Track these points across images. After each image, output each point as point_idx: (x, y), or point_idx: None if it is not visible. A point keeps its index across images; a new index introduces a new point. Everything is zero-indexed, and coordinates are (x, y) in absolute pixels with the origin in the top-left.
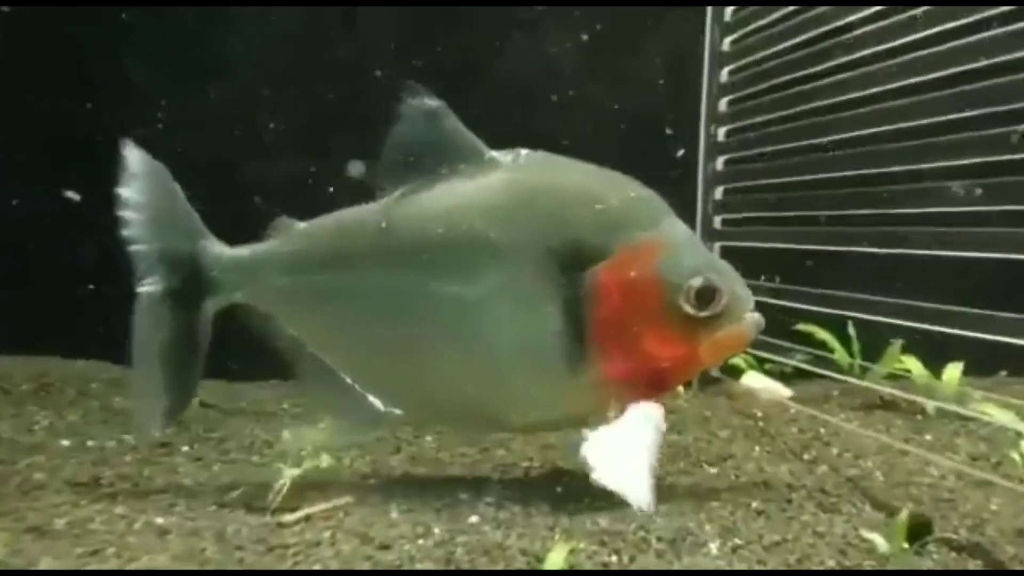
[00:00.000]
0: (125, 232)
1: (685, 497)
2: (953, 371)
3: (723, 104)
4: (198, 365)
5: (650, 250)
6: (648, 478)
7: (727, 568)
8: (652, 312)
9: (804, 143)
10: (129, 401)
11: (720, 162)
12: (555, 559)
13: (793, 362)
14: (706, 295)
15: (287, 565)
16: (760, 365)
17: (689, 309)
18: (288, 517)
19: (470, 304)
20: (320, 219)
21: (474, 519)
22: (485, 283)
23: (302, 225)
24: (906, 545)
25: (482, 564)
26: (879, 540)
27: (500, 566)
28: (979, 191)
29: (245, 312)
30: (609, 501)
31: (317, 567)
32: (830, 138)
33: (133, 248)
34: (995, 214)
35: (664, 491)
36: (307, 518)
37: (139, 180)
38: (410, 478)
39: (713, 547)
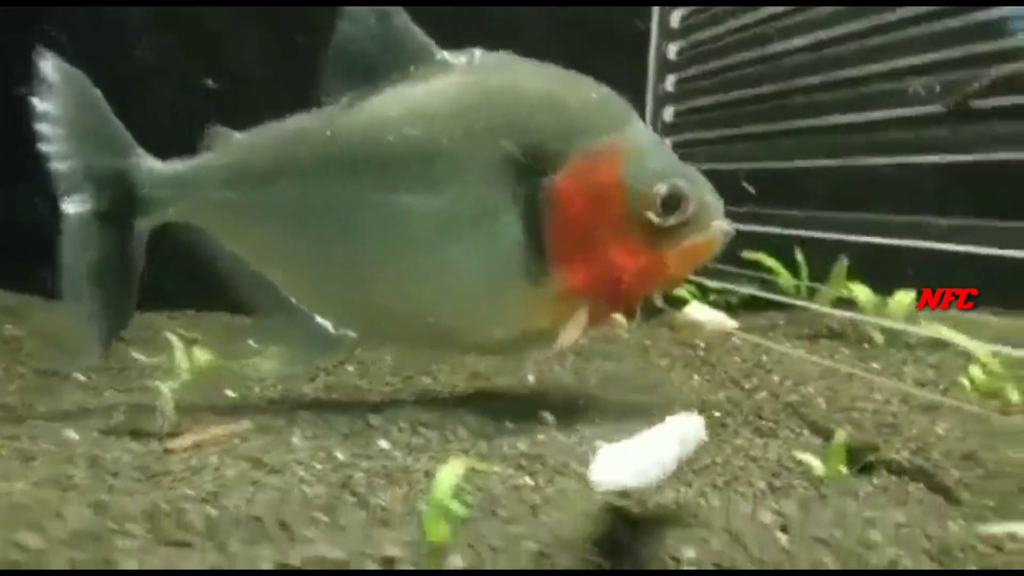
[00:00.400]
0: (44, 148)
1: (614, 421)
2: (903, 297)
3: (675, 19)
4: (132, 289)
5: (613, 155)
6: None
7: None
8: (615, 220)
9: (755, 56)
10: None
11: (670, 81)
12: (447, 474)
13: (739, 287)
14: (672, 202)
15: (161, 492)
16: (705, 296)
17: (654, 217)
18: (176, 443)
19: (423, 216)
20: (260, 129)
21: (384, 445)
22: (438, 193)
23: (240, 136)
24: (844, 468)
25: (380, 486)
26: (814, 462)
27: (401, 490)
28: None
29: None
30: (531, 426)
31: (191, 493)
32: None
33: (54, 165)
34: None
35: (593, 415)
36: (198, 445)
37: (57, 90)
38: (323, 404)
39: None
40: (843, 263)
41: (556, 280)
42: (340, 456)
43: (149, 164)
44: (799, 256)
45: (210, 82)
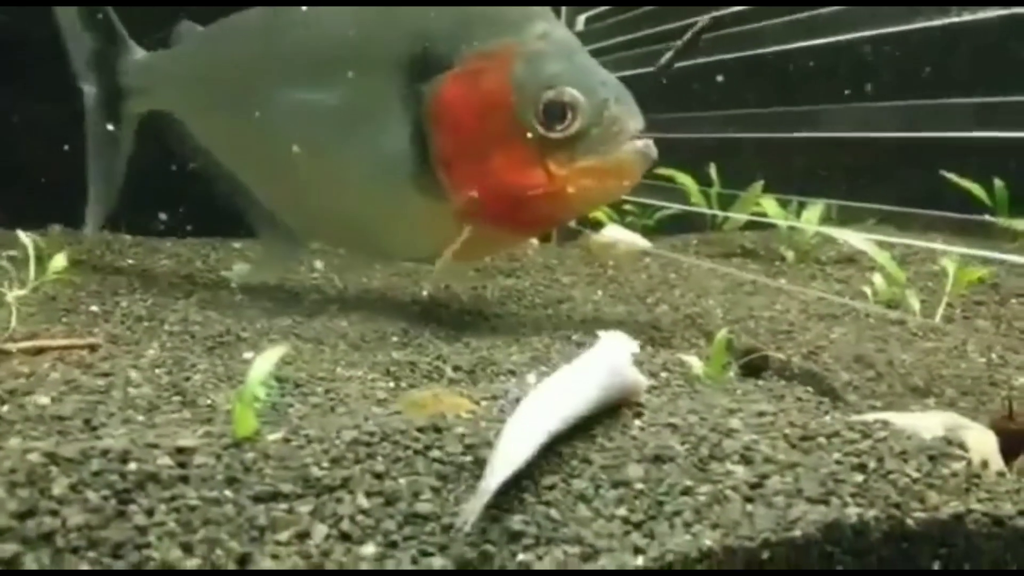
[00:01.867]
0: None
1: (502, 333)
2: (814, 211)
3: None
4: (120, 170)
5: (504, 58)
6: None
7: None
8: (499, 129)
9: None
10: None
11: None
12: (262, 362)
13: (652, 201)
14: (555, 110)
15: None
16: (622, 218)
17: (538, 126)
18: (14, 346)
19: (326, 113)
20: (219, 22)
21: (249, 355)
22: (338, 92)
23: (200, 29)
24: (731, 373)
25: (217, 388)
26: (695, 363)
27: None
28: None
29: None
30: (416, 338)
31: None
32: None
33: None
34: None
35: (480, 328)
36: (40, 350)
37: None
38: (196, 321)
39: (507, 365)
40: (757, 184)
41: (444, 188)
42: (192, 362)
43: (134, 55)
44: (712, 172)
45: None
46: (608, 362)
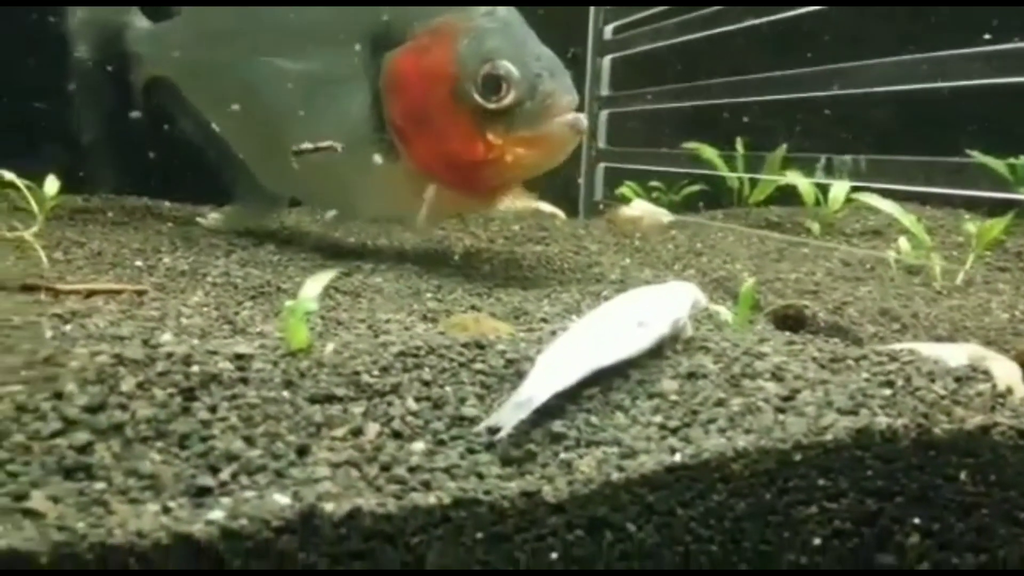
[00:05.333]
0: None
1: (533, 289)
2: (840, 188)
3: None
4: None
5: (450, 33)
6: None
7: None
8: (444, 100)
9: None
10: None
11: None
12: (314, 283)
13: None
14: (491, 83)
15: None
16: (648, 194)
17: (477, 98)
18: (64, 286)
19: (298, 84)
20: None
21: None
22: (307, 63)
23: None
24: (757, 323)
25: (263, 320)
26: (723, 311)
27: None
28: None
29: None
30: (444, 293)
31: (59, 311)
32: None
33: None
34: None
35: (512, 286)
36: (90, 293)
37: None
38: (242, 275)
39: (539, 315)
40: (780, 149)
41: (398, 151)
42: (234, 307)
43: (139, 23)
44: (739, 147)
45: None
46: (670, 316)
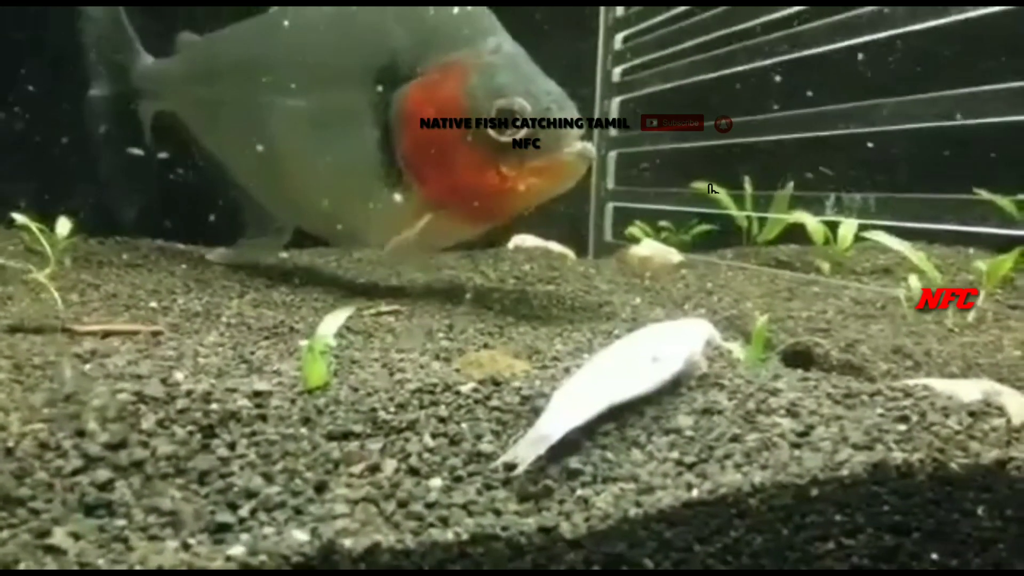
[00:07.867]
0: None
1: (545, 329)
2: (848, 227)
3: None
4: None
5: (462, 69)
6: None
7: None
8: (457, 134)
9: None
10: None
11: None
12: (332, 319)
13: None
14: (505, 117)
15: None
16: (657, 234)
17: (491, 132)
18: (80, 327)
19: (307, 120)
20: (213, 34)
21: (304, 343)
22: (315, 98)
23: (197, 39)
24: (770, 361)
25: (279, 359)
26: (736, 348)
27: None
28: None
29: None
30: (456, 332)
31: (79, 351)
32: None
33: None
34: None
35: (523, 325)
36: (107, 334)
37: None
38: (255, 316)
39: (552, 353)
40: (788, 187)
41: (410, 189)
42: (249, 346)
43: (143, 61)
44: (747, 186)
45: None
46: (684, 352)
